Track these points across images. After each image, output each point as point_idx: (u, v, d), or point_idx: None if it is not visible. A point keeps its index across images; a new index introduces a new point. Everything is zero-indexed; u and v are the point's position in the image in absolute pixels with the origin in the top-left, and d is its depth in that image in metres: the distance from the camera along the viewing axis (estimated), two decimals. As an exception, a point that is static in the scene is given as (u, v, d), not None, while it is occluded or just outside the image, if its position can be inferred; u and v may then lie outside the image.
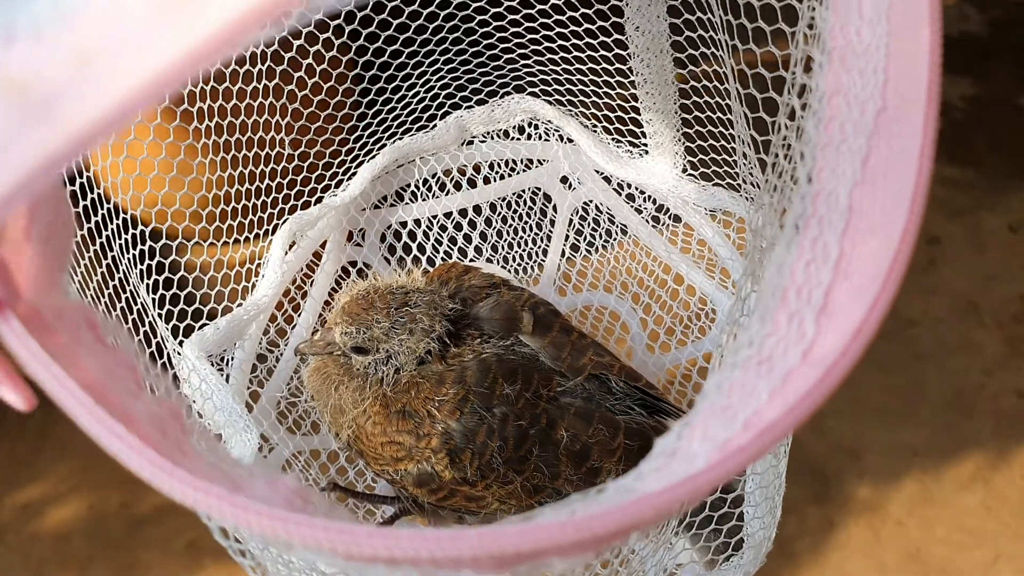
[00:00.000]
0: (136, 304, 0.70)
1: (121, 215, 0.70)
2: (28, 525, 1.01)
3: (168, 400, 0.31)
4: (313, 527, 0.25)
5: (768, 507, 0.58)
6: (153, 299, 0.73)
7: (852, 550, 1.06)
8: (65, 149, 0.20)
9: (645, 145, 0.77)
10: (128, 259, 0.70)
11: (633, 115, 0.77)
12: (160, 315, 0.73)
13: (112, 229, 0.68)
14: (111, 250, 0.69)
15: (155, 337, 0.71)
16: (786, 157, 0.40)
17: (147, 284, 0.72)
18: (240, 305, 0.79)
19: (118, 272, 0.69)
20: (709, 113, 0.69)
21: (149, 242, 0.73)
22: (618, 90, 0.74)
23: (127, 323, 0.67)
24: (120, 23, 0.19)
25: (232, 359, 0.80)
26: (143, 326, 0.70)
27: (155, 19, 0.19)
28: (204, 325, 0.76)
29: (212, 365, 0.75)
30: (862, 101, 0.33)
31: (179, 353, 0.73)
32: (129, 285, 0.71)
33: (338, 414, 0.68)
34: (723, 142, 0.71)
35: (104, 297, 0.66)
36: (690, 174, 0.76)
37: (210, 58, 0.20)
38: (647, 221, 0.83)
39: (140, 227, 0.72)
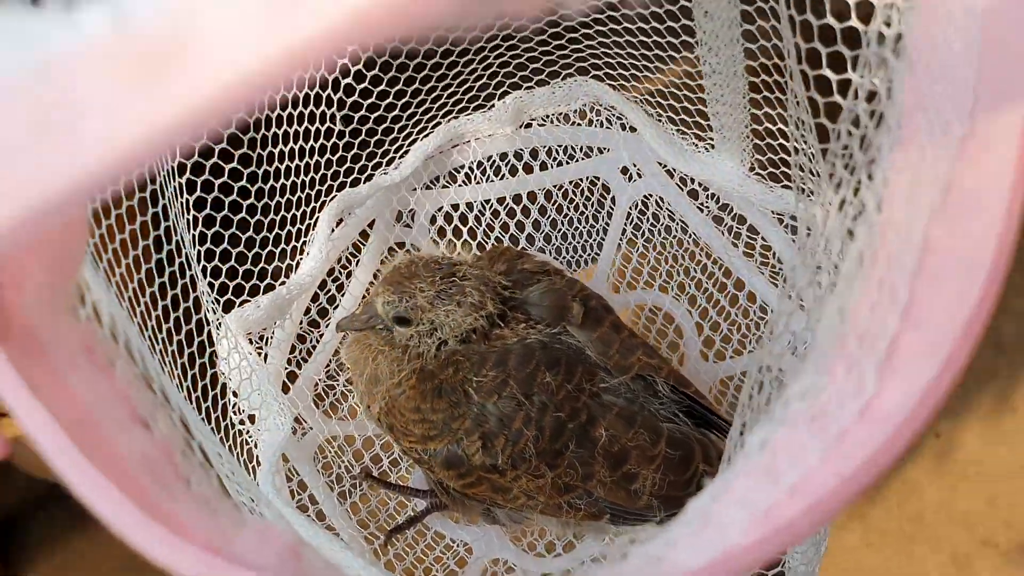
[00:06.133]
0: (183, 277, 0.68)
1: (179, 178, 0.68)
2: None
3: (162, 437, 0.28)
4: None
5: (812, 540, 0.54)
6: (204, 267, 0.71)
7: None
8: (17, 214, 0.18)
9: (711, 140, 0.72)
10: (185, 221, 0.68)
11: (700, 107, 0.72)
12: (211, 285, 0.72)
13: (169, 194, 0.66)
14: (165, 220, 0.67)
15: (197, 313, 0.69)
16: (847, 167, 0.36)
17: (198, 251, 0.71)
18: (283, 283, 0.77)
19: (168, 243, 0.68)
20: (780, 110, 0.64)
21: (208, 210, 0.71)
22: (684, 80, 0.69)
23: (166, 299, 0.66)
24: (103, 87, 0.17)
25: (271, 338, 0.78)
26: (185, 301, 0.68)
27: (127, 87, 0.17)
28: (245, 302, 0.75)
29: (251, 343, 0.74)
30: (946, 121, 0.29)
31: (219, 328, 0.72)
32: (180, 256, 0.69)
33: (372, 384, 0.66)
34: (792, 142, 0.66)
35: (141, 271, 0.65)
36: (758, 173, 0.71)
37: (178, 139, 0.17)
38: (709, 220, 0.78)
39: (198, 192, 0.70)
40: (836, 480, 0.26)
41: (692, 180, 0.79)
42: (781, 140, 0.67)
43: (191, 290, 0.69)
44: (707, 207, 0.78)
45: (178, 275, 0.69)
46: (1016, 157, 0.28)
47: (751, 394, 0.37)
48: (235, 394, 0.71)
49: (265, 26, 0.16)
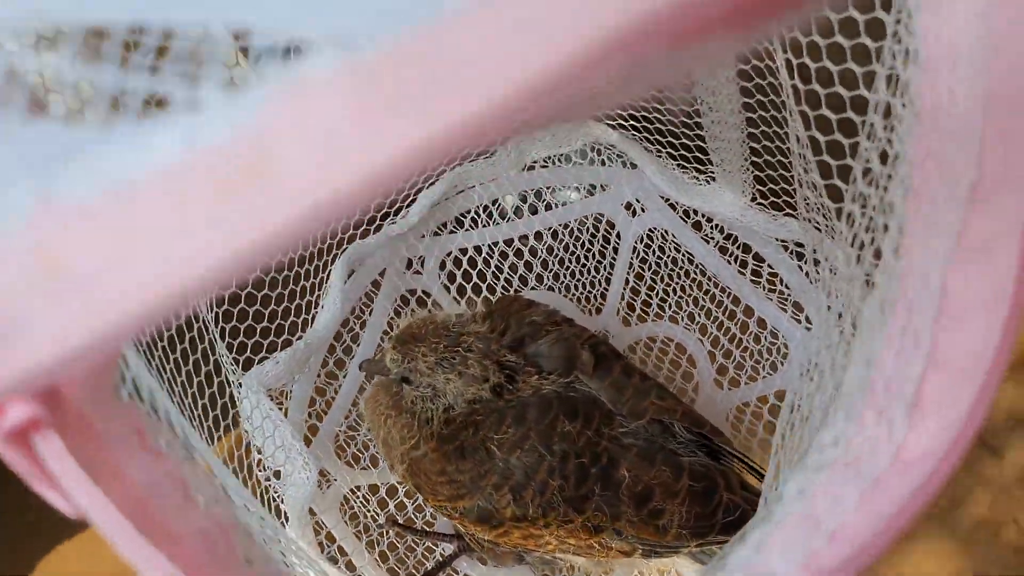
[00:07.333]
0: (202, 341, 0.69)
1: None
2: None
3: (218, 511, 0.29)
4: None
5: None
6: (221, 328, 0.73)
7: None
8: (96, 338, 0.18)
9: (712, 173, 0.74)
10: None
11: (699, 142, 0.74)
12: (230, 346, 0.73)
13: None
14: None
15: (218, 376, 0.70)
16: (864, 216, 0.38)
17: (216, 313, 0.72)
18: (300, 337, 0.78)
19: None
20: (778, 143, 0.66)
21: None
22: (682, 118, 0.71)
23: (188, 364, 0.67)
24: (178, 211, 0.18)
25: (291, 393, 0.79)
26: (206, 365, 0.69)
27: (220, 207, 0.17)
28: (264, 359, 0.76)
29: (271, 400, 0.75)
30: (956, 170, 0.30)
31: (240, 388, 0.73)
32: (198, 322, 0.70)
33: (387, 448, 0.68)
34: (792, 172, 0.67)
35: (164, 338, 0.66)
36: (759, 203, 0.73)
37: (266, 258, 0.18)
38: (715, 250, 0.80)
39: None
40: (874, 526, 0.27)
41: (696, 212, 0.80)
42: (781, 171, 0.68)
43: (211, 353, 0.70)
44: (712, 238, 0.80)
45: (197, 339, 0.70)
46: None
47: (783, 436, 0.39)
48: (259, 451, 0.72)
49: (345, 151, 0.17)
